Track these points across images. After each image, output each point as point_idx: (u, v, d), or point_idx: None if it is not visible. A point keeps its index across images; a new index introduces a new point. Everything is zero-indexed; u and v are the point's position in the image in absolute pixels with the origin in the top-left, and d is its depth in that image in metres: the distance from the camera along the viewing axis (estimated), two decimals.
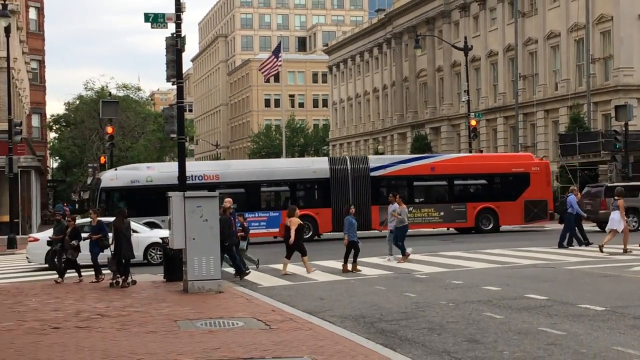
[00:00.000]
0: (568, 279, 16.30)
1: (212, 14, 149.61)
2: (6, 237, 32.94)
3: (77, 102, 71.17)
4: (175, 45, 19.03)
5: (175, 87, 19.98)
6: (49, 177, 73.43)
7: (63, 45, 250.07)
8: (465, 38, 49.18)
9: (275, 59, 56.92)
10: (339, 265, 19.98)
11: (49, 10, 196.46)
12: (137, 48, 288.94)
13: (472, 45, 49.20)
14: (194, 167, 33.34)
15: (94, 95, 66.91)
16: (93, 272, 18.90)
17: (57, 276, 19.03)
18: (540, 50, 52.16)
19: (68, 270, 19.27)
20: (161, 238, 22.26)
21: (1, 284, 19.54)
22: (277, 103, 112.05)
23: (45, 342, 10.76)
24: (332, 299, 14.74)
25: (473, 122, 44.38)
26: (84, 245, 19.14)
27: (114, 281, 17.81)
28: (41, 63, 56.97)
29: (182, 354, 9.65)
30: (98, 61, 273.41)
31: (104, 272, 18.84)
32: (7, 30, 32.81)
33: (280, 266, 20.10)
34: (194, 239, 15.91)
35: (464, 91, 49.79)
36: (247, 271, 18.65)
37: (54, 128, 75.06)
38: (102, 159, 41.20)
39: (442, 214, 32.74)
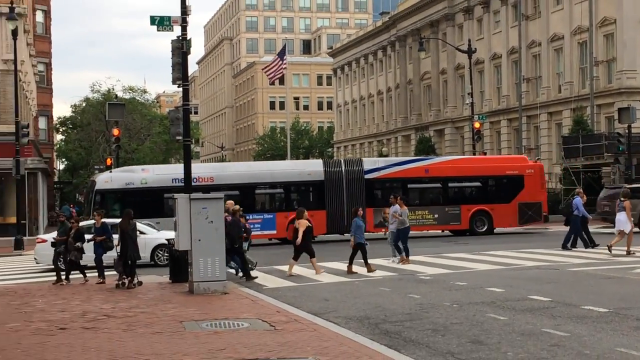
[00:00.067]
0: (571, 281, 16.34)
1: (218, 17, 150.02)
2: (13, 238, 33.01)
3: (84, 104, 71.52)
4: (181, 48, 19.05)
5: (180, 89, 19.97)
6: (56, 179, 73.74)
7: (69, 48, 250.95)
8: (469, 41, 49.37)
9: (280, 62, 57.15)
10: (343, 266, 20.05)
11: (55, 13, 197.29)
12: (143, 51, 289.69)
13: (475, 48, 49.36)
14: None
15: (101, 98, 67.24)
16: (97, 273, 18.97)
17: (55, 279, 19.12)
18: (543, 53, 52.30)
19: (70, 272, 19.30)
20: (167, 239, 22.52)
21: (8, 285, 19.67)
22: (282, 105, 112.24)
23: (52, 343, 10.83)
24: (337, 300, 14.81)
25: (477, 125, 44.51)
26: (89, 247, 19.21)
27: (120, 282, 17.87)
28: (48, 66, 57.23)
29: (188, 354, 9.71)
30: (104, 64, 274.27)
31: (105, 274, 18.93)
32: (15, 33, 32.96)
33: (285, 267, 20.26)
34: (199, 240, 15.99)
35: (468, 94, 50.03)
36: (255, 276, 18.76)
37: (61, 130, 75.41)
38: (109, 161, 41.47)
39: (436, 216, 32.82)
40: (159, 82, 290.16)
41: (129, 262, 17.85)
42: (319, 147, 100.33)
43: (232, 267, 18.99)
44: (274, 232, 31.72)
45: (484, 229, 32.99)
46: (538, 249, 24.53)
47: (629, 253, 21.40)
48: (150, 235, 23.95)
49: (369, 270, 19.06)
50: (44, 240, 23.45)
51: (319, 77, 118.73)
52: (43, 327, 12.22)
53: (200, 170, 33.08)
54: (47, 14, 56.35)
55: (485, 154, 48.89)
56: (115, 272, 18.55)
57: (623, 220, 21.63)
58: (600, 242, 24.13)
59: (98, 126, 64.10)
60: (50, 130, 61.06)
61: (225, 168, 35.23)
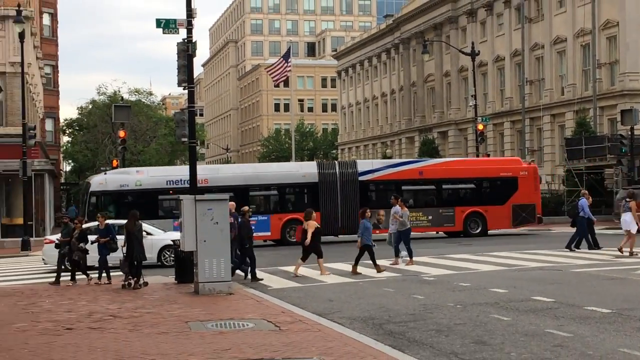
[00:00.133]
0: (575, 282, 16.37)
1: (223, 20, 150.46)
2: (20, 239, 33.26)
3: (90, 106, 71.77)
4: (187, 51, 19.13)
5: (186, 91, 20.05)
6: (62, 180, 74.01)
7: (76, 51, 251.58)
8: (473, 43, 49.60)
9: (285, 64, 57.42)
10: (347, 267, 20.13)
11: (62, 16, 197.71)
12: (149, 53, 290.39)
13: (479, 51, 49.59)
14: (183, 171, 33.74)
15: (107, 100, 67.51)
16: (105, 274, 19.04)
17: (53, 279, 19.21)
18: (546, 55, 52.49)
19: (75, 272, 19.35)
20: (172, 240, 22.54)
21: (16, 286, 19.75)
22: (287, 107, 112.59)
23: (58, 343, 10.88)
24: (341, 300, 14.88)
25: (480, 127, 44.60)
26: (93, 248, 19.29)
27: (126, 283, 17.93)
28: (55, 68, 57.50)
29: (193, 354, 9.76)
30: (110, 66, 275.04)
31: (105, 274, 18.97)
32: (22, 36, 33.22)
33: (289, 268, 20.43)
34: (204, 241, 16.07)
35: (471, 96, 50.20)
36: (261, 279, 18.86)
37: (67, 132, 75.73)
38: (115, 163, 41.61)
39: (430, 218, 32.84)
40: (165, 84, 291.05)
41: (135, 263, 17.89)
42: (324, 149, 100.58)
43: (243, 270, 19.09)
44: (268, 233, 31.79)
45: (477, 231, 33.02)
46: (541, 250, 24.56)
47: (631, 254, 21.48)
48: (157, 236, 24.03)
49: (378, 271, 19.09)
50: (52, 241, 23.58)
51: (324, 80, 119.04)
52: (50, 327, 12.30)
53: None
54: (53, 16, 56.67)
55: (488, 155, 49.07)
56: (121, 273, 18.61)
57: (628, 221, 21.79)
58: (607, 243, 24.20)
59: (104, 128, 64.36)
60: (56, 132, 61.33)
61: (219, 170, 35.17)
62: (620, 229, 23.16)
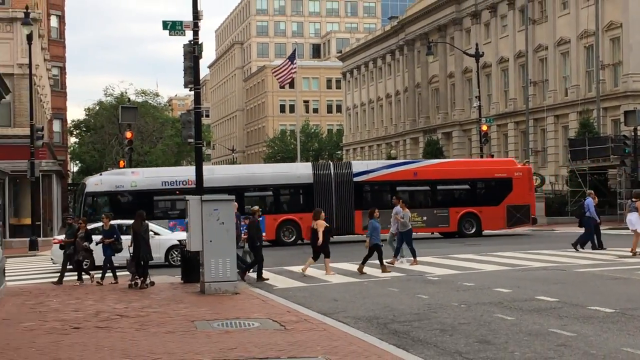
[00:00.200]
0: (578, 282, 16.43)
1: (229, 22, 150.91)
2: (28, 239, 33.52)
3: (97, 107, 72.15)
4: (193, 52, 19.23)
5: (192, 93, 20.13)
6: (70, 181, 74.28)
7: (83, 52, 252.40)
8: (477, 45, 49.74)
9: (291, 66, 57.70)
10: (352, 267, 20.28)
11: (69, 18, 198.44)
12: (155, 55, 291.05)
13: (483, 52, 49.75)
14: (178, 172, 33.71)
15: (114, 101, 67.90)
16: (111, 274, 19.16)
17: (56, 279, 19.34)
18: (550, 56, 52.69)
19: (82, 272, 19.50)
20: (179, 240, 22.57)
21: (23, 285, 19.88)
22: (292, 109, 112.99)
23: (65, 342, 10.92)
24: (346, 300, 14.96)
25: (484, 127, 44.62)
26: (97, 249, 19.44)
27: (133, 282, 18.00)
28: (62, 70, 57.77)
29: (200, 353, 9.80)
30: (117, 67, 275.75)
31: (110, 274, 19.09)
32: (30, 38, 33.50)
33: (294, 268, 20.67)
34: (210, 241, 16.17)
35: (476, 97, 50.43)
36: (267, 278, 18.98)
37: (75, 133, 76.02)
38: (121, 163, 41.81)
39: (425, 218, 32.89)
40: (171, 85, 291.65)
41: (142, 262, 17.96)
42: (329, 150, 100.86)
43: (254, 271, 19.32)
44: (263, 234, 31.93)
45: (472, 231, 33.09)
46: (545, 250, 24.63)
47: (634, 254, 21.59)
48: (165, 236, 24.18)
49: (383, 271, 19.25)
50: (61, 241, 24.00)
51: (329, 81, 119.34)
52: (57, 327, 12.35)
53: (191, 172, 33.26)
54: (61, 19, 57.01)
55: (492, 156, 49.25)
56: (127, 273, 18.70)
57: (634, 221, 21.88)
58: (611, 244, 24.30)
59: (111, 129, 64.68)
60: (64, 133, 61.58)
61: (213, 171, 35.06)
62: (627, 228, 23.16)
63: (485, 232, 33.69)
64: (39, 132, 34.79)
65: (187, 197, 17.29)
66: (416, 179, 33.55)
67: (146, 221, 18.72)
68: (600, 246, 23.93)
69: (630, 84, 45.45)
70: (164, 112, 78.27)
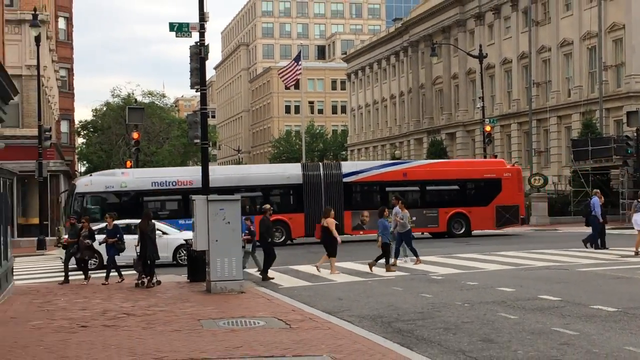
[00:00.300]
0: (581, 281, 16.50)
1: (235, 23, 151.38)
2: (36, 238, 33.83)
3: (104, 108, 72.60)
4: (199, 54, 19.38)
5: (198, 94, 20.27)
6: None
7: (91, 54, 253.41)
8: (480, 46, 49.99)
9: (296, 67, 58.03)
10: (357, 266, 20.48)
11: (77, 19, 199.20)
12: (162, 56, 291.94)
13: (486, 53, 49.91)
14: (167, 173, 33.83)
15: (121, 102, 68.35)
16: (116, 274, 19.15)
17: (63, 279, 19.41)
18: (553, 57, 52.94)
19: (73, 271, 19.57)
20: (185, 240, 22.93)
21: (31, 284, 19.96)
22: (297, 109, 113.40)
23: (73, 340, 10.96)
24: (351, 299, 15.03)
25: (488, 128, 44.87)
26: (101, 248, 19.59)
27: (140, 281, 18.06)
28: (70, 71, 58.15)
29: (205, 352, 9.83)
30: (124, 69, 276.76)
31: (115, 273, 19.20)
32: (38, 39, 33.81)
33: (300, 267, 20.90)
34: (216, 241, 16.27)
35: (479, 98, 50.67)
36: (272, 277, 19.18)
37: (82, 134, 76.39)
38: (128, 164, 42.12)
39: (414, 218, 32.87)
40: (178, 86, 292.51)
41: (148, 262, 18.04)
42: (333, 150, 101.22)
43: (258, 270, 19.54)
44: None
45: (461, 232, 33.20)
46: (548, 249, 24.71)
47: (637, 254, 21.77)
48: (173, 235, 24.32)
49: (387, 270, 19.44)
50: (65, 241, 24.24)
51: (333, 82, 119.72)
52: (65, 325, 12.40)
53: (180, 173, 33.46)
54: (69, 20, 57.43)
55: (495, 156, 49.54)
56: (134, 272, 18.84)
57: (639, 221, 22.12)
58: (613, 243, 24.47)
59: (118, 130, 65.13)
60: (71, 134, 61.90)
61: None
62: (630, 228, 23.46)
63: (475, 232, 33.81)
64: (46, 133, 35.11)
65: (193, 197, 17.37)
66: (406, 180, 33.64)
67: (153, 221, 18.88)
68: (602, 246, 24.04)
69: (633, 85, 45.68)
70: (170, 113, 78.73)
